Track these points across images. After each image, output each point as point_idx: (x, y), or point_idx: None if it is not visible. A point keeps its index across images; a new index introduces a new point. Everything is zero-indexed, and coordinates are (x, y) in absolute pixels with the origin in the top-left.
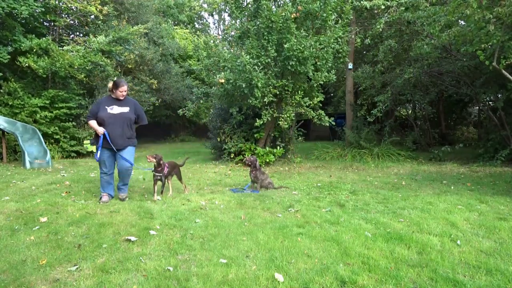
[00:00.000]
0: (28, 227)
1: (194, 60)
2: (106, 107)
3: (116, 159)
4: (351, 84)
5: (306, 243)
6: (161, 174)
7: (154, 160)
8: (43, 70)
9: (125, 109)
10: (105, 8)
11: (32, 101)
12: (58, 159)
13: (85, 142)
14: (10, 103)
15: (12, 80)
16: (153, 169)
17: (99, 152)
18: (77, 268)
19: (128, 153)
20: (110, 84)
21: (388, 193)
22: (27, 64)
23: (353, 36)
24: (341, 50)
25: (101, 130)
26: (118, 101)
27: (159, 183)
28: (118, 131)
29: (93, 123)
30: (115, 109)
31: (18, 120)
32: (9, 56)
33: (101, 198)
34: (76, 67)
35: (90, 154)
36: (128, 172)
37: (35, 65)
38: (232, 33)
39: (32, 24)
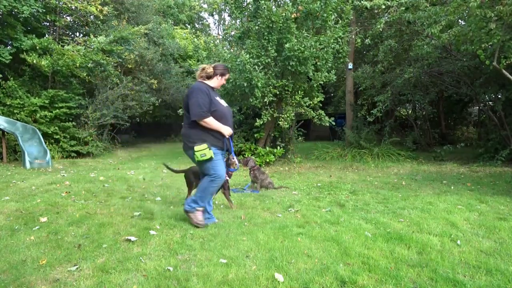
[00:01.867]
0: (28, 227)
1: (194, 60)
2: (216, 98)
3: None
4: (351, 84)
5: (306, 243)
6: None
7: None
8: (47, 68)
9: (225, 103)
10: (105, 8)
11: (32, 101)
12: (58, 159)
13: (199, 148)
14: (9, 103)
15: (12, 80)
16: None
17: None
18: (77, 268)
19: None
20: (210, 69)
21: (388, 193)
22: (34, 61)
23: (353, 36)
24: (341, 50)
25: (229, 130)
26: (215, 92)
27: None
28: (232, 130)
29: (214, 121)
30: (222, 102)
31: (17, 120)
32: (10, 57)
33: (195, 218)
34: (78, 65)
35: (90, 154)
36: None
37: (39, 62)
38: (232, 33)
39: (32, 24)
